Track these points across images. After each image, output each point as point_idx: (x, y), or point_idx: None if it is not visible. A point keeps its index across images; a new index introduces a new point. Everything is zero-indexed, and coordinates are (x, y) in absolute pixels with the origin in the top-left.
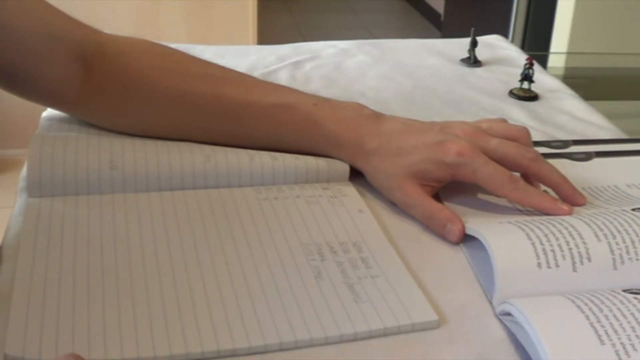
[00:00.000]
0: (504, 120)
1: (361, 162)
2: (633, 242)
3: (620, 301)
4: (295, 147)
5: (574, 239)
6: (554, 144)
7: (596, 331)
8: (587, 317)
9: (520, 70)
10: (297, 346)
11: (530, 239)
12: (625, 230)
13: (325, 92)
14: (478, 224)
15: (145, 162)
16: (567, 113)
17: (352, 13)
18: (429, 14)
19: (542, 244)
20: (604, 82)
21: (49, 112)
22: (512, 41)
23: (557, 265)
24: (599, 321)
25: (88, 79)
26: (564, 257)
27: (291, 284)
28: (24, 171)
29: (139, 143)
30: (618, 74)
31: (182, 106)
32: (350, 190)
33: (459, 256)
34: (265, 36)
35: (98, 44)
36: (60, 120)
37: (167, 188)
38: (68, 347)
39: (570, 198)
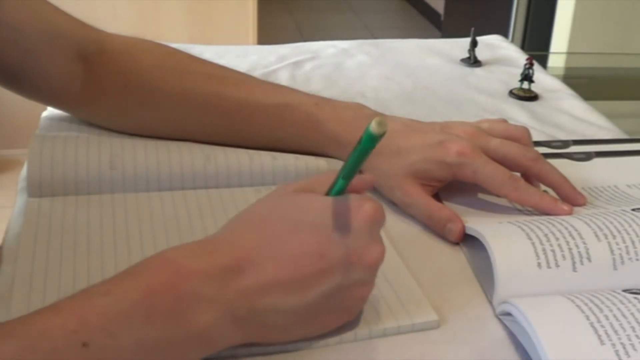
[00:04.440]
0: (505, 121)
1: None
2: (633, 242)
3: (620, 301)
4: (295, 147)
5: (574, 239)
6: (554, 144)
7: (596, 331)
8: (587, 317)
9: (520, 70)
10: (297, 348)
11: (530, 239)
12: (625, 230)
13: (325, 92)
14: (478, 224)
15: (145, 162)
16: (567, 113)
17: (352, 13)
18: (429, 14)
19: (542, 244)
20: (604, 82)
21: (49, 112)
22: (512, 41)
23: (557, 265)
24: (599, 321)
25: (89, 78)
26: (564, 257)
27: None
28: (24, 171)
29: (139, 143)
30: (618, 74)
31: (183, 106)
32: None
33: (459, 256)
34: (265, 36)
35: (99, 43)
36: (60, 120)
37: (167, 188)
38: None
39: (571, 198)
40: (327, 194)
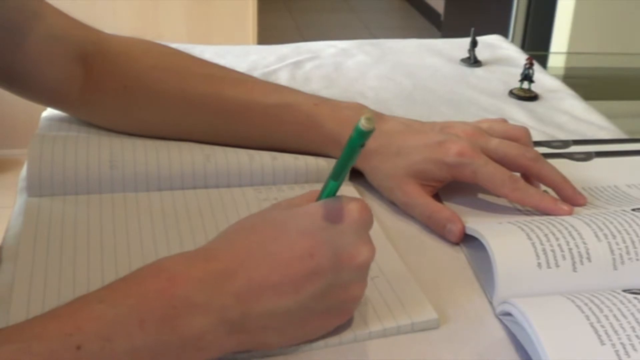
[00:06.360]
0: (504, 121)
1: (361, 162)
2: (633, 242)
3: (620, 301)
4: (295, 147)
5: (574, 239)
6: (554, 144)
7: (596, 331)
8: (587, 317)
9: (520, 70)
10: (297, 351)
11: (530, 239)
12: (625, 230)
13: (325, 92)
14: (478, 224)
15: (145, 162)
16: (567, 113)
17: (352, 13)
18: (429, 14)
19: (542, 244)
20: (604, 82)
21: (49, 112)
22: (512, 41)
23: (557, 265)
24: (599, 321)
25: (88, 79)
26: (564, 257)
27: None
28: (24, 171)
29: (139, 143)
30: (618, 74)
31: (182, 106)
32: (350, 190)
33: (459, 256)
34: (265, 36)
35: (98, 44)
36: (60, 120)
37: (167, 188)
38: None
39: (571, 198)
40: (319, 198)
